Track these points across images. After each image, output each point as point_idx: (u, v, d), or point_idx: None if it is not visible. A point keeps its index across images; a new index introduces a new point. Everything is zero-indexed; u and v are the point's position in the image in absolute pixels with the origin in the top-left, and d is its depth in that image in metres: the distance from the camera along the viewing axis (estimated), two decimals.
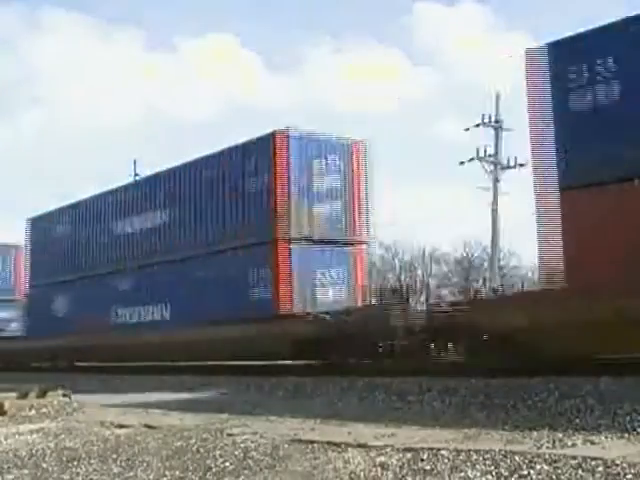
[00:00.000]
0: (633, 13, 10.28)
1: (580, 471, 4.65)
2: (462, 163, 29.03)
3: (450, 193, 60.24)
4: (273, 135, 14.82)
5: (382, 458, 5.52)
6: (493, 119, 28.78)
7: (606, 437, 5.72)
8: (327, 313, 13.98)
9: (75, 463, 6.33)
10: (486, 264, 36.08)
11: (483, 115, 28.76)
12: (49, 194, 60.80)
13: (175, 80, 77.23)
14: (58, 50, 74.78)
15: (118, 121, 72.50)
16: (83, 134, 74.41)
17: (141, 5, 75.06)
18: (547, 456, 5.06)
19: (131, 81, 74.60)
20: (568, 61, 10.94)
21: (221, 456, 6.12)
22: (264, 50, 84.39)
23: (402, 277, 40.40)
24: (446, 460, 5.24)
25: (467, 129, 29.45)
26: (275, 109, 67.33)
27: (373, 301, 14.82)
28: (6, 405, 10.28)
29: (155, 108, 75.48)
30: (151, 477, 5.63)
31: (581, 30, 10.97)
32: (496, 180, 28.64)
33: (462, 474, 4.86)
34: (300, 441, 6.43)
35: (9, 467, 6.40)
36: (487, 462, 5.07)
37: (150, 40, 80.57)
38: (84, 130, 72.75)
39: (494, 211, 28.69)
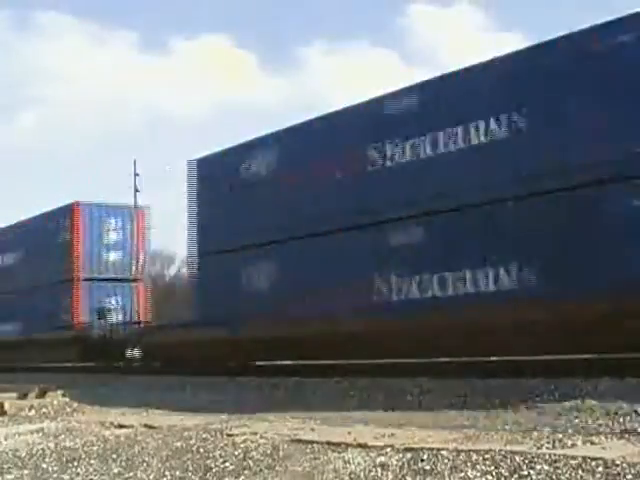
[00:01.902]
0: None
1: (580, 471, 4.65)
2: None
3: None
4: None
5: (382, 458, 5.52)
6: None
7: (606, 437, 5.72)
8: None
9: (75, 463, 6.34)
10: None
11: None
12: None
13: (171, 81, 77.32)
14: (52, 51, 74.77)
15: (116, 122, 72.52)
16: (79, 135, 74.45)
17: (134, 7, 74.92)
18: (547, 456, 5.05)
19: (127, 82, 74.59)
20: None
21: (221, 456, 6.12)
22: (259, 51, 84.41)
23: None
24: (446, 460, 5.24)
25: None
26: (270, 108, 67.42)
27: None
28: (6, 405, 10.30)
29: (152, 109, 75.56)
30: (151, 477, 5.63)
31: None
32: None
33: (462, 474, 4.86)
34: (300, 441, 6.42)
35: (9, 467, 6.41)
36: (487, 462, 5.07)
37: (144, 42, 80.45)
38: (80, 131, 72.80)
39: None
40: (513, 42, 64.29)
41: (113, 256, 21.30)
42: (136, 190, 34.20)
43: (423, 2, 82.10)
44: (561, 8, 66.41)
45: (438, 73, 12.59)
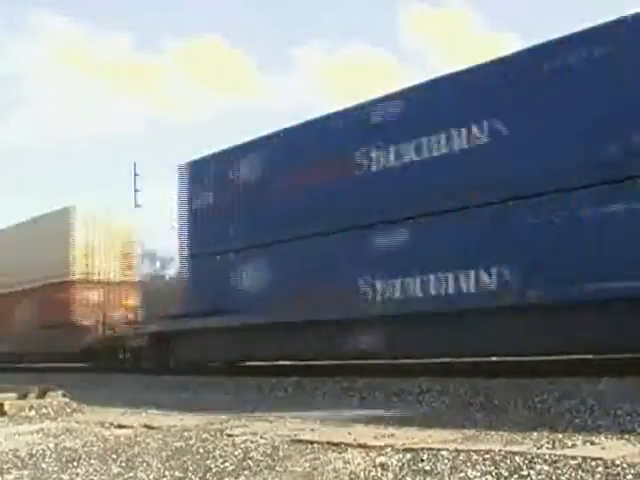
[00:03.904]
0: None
1: (580, 471, 4.65)
2: None
3: None
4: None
5: (382, 458, 5.52)
6: None
7: (606, 437, 5.71)
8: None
9: (75, 463, 6.33)
10: None
11: None
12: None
13: (168, 81, 77.22)
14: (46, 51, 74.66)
15: (114, 122, 72.46)
16: (76, 135, 74.38)
17: (128, 8, 74.62)
18: (547, 456, 5.06)
19: (124, 83, 74.46)
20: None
21: (221, 456, 6.11)
22: (255, 51, 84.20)
23: None
24: (446, 460, 5.24)
25: None
26: (267, 108, 67.42)
27: None
28: (6, 406, 10.27)
29: (150, 109, 75.50)
30: (151, 477, 5.63)
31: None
32: None
33: (462, 474, 4.86)
34: (300, 441, 6.42)
35: (9, 467, 6.39)
36: (487, 462, 5.07)
37: (139, 42, 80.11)
38: (77, 132, 72.71)
39: None
40: (511, 42, 64.26)
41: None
42: (136, 190, 34.45)
43: (418, 0, 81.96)
44: (558, 8, 66.35)
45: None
